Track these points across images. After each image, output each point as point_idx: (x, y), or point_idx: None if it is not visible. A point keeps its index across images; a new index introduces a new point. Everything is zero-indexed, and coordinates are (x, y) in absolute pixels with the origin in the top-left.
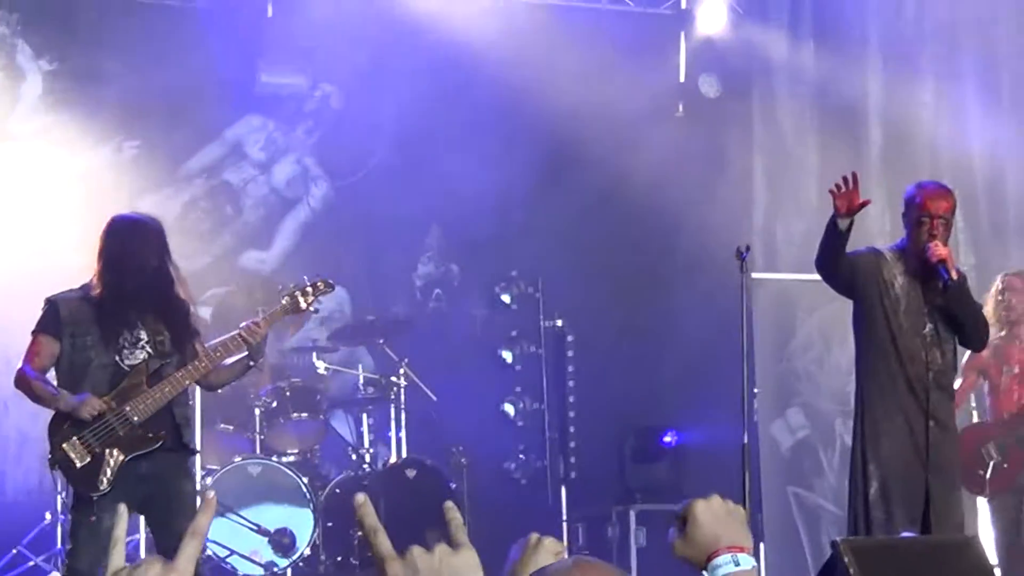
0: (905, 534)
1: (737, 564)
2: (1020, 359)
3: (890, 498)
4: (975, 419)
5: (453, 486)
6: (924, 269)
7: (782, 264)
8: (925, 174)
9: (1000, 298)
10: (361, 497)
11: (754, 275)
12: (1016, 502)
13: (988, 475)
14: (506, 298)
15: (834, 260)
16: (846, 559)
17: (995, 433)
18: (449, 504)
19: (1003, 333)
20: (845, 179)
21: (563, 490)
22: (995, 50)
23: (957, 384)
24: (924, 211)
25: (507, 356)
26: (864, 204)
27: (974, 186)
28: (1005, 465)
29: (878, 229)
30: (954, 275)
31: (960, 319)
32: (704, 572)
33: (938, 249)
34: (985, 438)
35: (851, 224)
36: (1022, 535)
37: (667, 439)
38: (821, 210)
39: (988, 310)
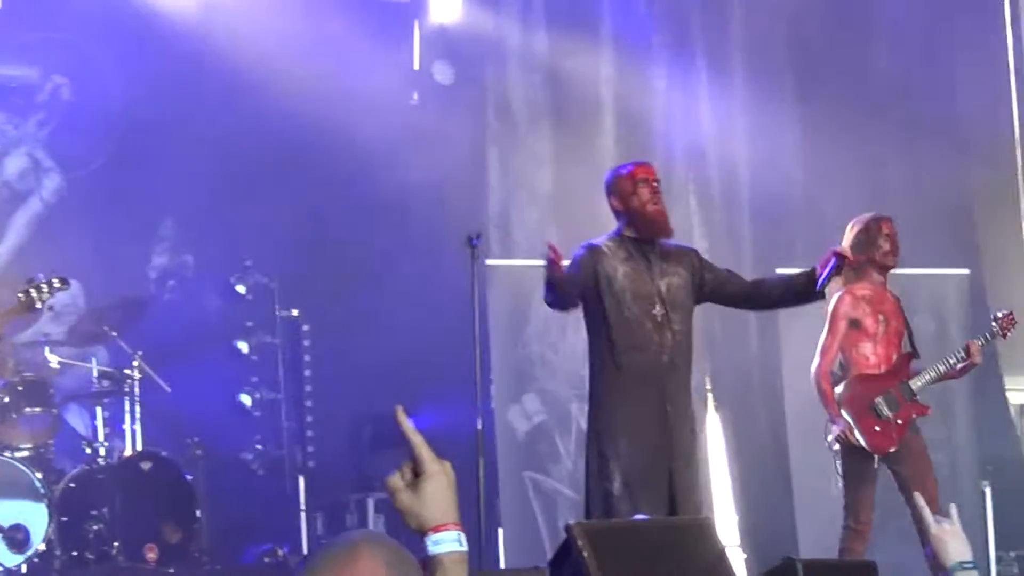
0: (639, 516)
1: (461, 544)
2: (890, 309)
3: (634, 491)
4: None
5: (189, 478)
6: (649, 228)
7: (517, 250)
8: (659, 159)
9: (874, 242)
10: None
11: (488, 262)
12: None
13: (894, 432)
14: (241, 288)
15: (559, 297)
16: (580, 542)
17: (883, 386)
18: None
19: (878, 279)
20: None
21: (301, 479)
22: (727, 35)
23: (822, 340)
24: (640, 175)
25: (243, 347)
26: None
27: (708, 170)
28: (899, 421)
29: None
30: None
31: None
32: (426, 539)
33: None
34: (875, 391)
35: (563, 273)
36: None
37: None
38: (555, 196)
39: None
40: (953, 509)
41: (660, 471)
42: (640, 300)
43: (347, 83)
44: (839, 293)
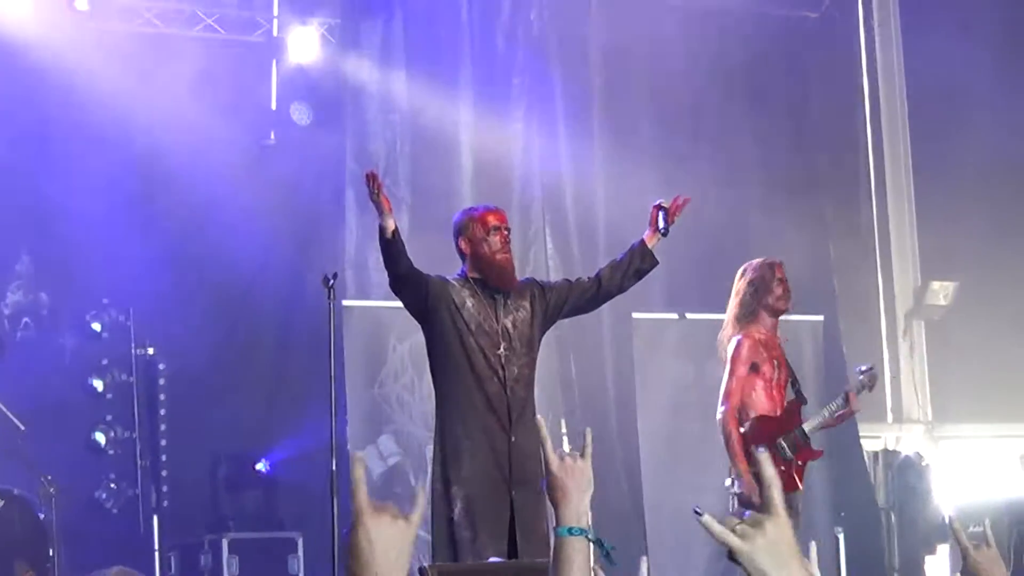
0: (493, 559)
1: None
2: (780, 354)
3: (475, 517)
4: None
5: (42, 516)
6: (495, 276)
7: (374, 292)
8: (516, 200)
9: (768, 287)
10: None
11: (345, 302)
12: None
13: (795, 474)
14: (97, 326)
15: (398, 266)
16: None
17: (783, 428)
18: None
19: (770, 324)
20: (371, 175)
21: (155, 519)
22: (585, 77)
23: (725, 382)
24: (492, 222)
25: (98, 385)
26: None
27: (565, 211)
28: (799, 463)
29: None
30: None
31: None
32: None
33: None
34: (777, 432)
35: (396, 228)
36: None
37: (260, 467)
38: (412, 238)
39: (740, 302)
40: (813, 547)
41: (501, 499)
42: (484, 336)
43: (204, 122)
44: (738, 336)
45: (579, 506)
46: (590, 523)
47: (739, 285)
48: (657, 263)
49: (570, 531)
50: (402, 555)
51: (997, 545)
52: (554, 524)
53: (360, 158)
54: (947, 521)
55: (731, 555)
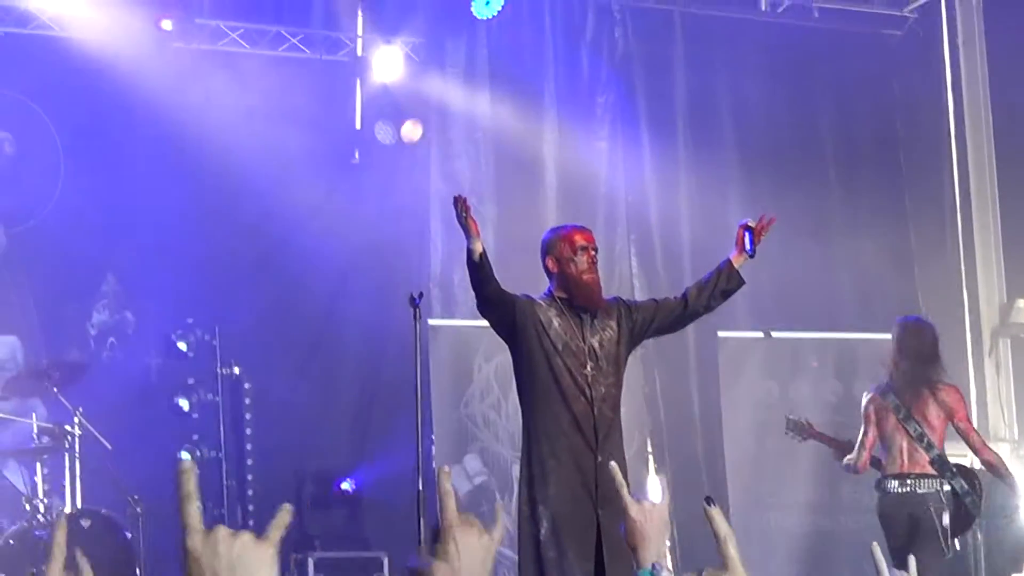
0: None
1: None
2: None
3: (562, 537)
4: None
5: (129, 535)
6: (582, 296)
7: (459, 311)
8: (601, 219)
9: (936, 343)
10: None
11: (431, 321)
12: None
13: None
14: (182, 345)
15: (486, 288)
16: None
17: None
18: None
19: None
20: (459, 198)
21: None
22: (670, 96)
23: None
24: (580, 241)
25: (184, 404)
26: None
27: (650, 230)
28: None
29: None
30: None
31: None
32: None
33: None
34: None
35: (484, 250)
36: None
37: (345, 486)
38: (497, 256)
39: (908, 369)
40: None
41: (587, 518)
42: (571, 355)
43: (289, 142)
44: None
45: (659, 548)
46: (669, 564)
47: (919, 349)
48: (744, 283)
49: (652, 571)
50: (485, 567)
51: None
52: (635, 568)
53: (445, 177)
54: None
55: None
